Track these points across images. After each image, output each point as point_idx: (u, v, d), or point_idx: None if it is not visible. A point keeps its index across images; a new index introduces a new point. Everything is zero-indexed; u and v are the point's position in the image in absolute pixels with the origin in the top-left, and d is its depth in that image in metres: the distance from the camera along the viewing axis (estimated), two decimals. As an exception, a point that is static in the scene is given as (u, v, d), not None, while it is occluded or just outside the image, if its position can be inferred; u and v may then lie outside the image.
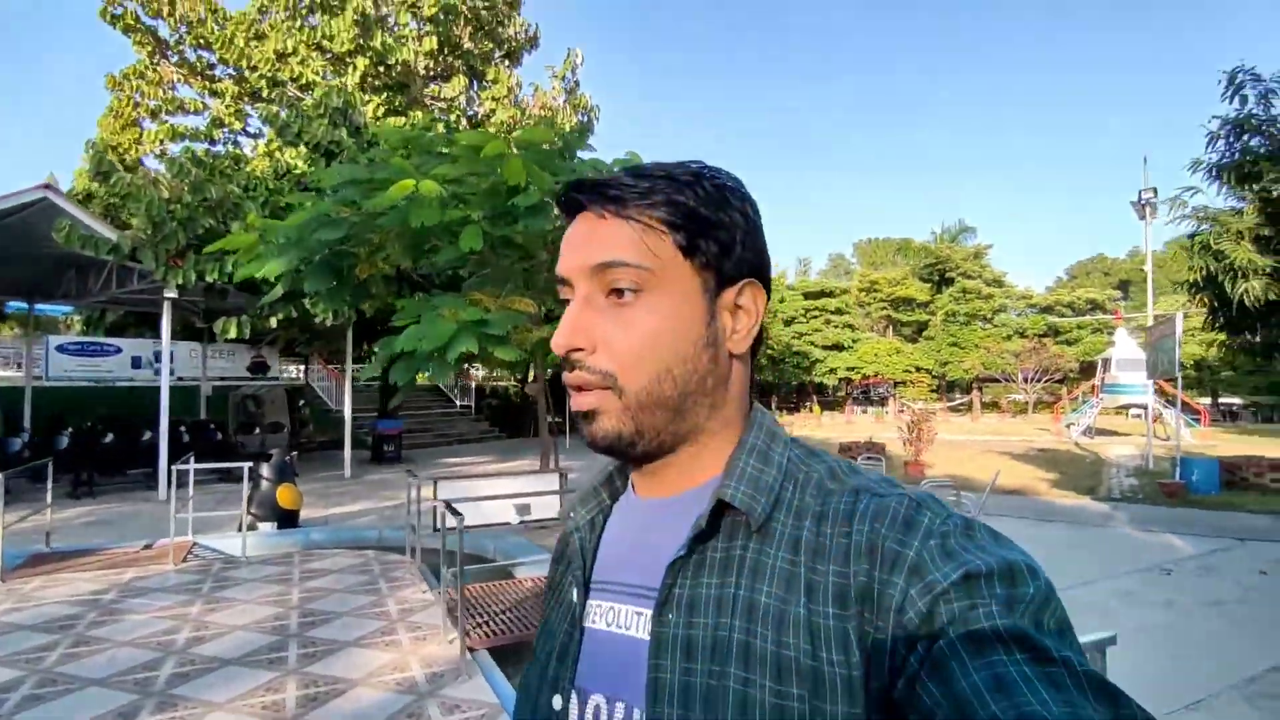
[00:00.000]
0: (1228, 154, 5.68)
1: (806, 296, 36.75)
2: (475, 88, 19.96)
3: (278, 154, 14.34)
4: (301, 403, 18.64)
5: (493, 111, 18.95)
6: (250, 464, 7.43)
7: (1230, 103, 5.65)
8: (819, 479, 0.58)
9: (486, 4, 18.35)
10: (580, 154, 6.04)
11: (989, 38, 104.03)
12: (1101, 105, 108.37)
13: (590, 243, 0.59)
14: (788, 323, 35.09)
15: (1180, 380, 13.88)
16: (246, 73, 17.72)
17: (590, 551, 0.65)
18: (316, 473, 13.21)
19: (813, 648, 0.49)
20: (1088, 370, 30.14)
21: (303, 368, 22.13)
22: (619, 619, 0.60)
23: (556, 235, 6.15)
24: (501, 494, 5.66)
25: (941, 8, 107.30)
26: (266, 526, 7.79)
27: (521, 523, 5.84)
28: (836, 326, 35.55)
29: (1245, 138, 5.59)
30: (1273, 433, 23.95)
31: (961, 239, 43.19)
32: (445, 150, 5.56)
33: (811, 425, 29.12)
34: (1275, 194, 5.38)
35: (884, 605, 0.47)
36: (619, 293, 0.58)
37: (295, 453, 11.78)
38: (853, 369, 34.17)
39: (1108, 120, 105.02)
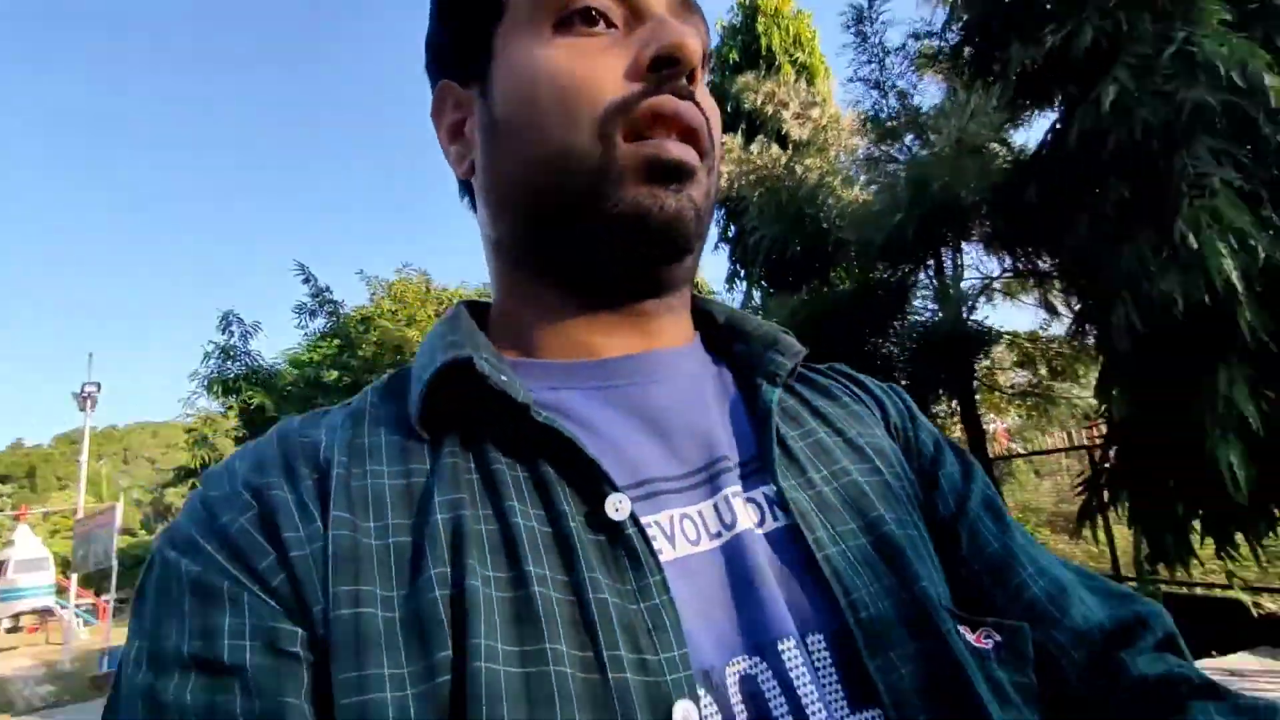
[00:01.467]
0: (216, 370, 7.45)
1: None
2: None
3: None
4: None
5: None
6: None
7: (223, 334, 7.57)
8: None
9: None
10: None
11: None
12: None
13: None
14: None
15: (115, 570, 14.26)
16: None
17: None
18: None
19: (913, 479, 0.46)
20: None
21: None
22: (706, 525, 0.38)
23: None
24: None
25: None
26: None
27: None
28: None
29: (229, 361, 7.53)
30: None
31: None
32: None
33: None
34: (253, 405, 7.43)
35: (911, 446, 0.49)
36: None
37: None
38: None
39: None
